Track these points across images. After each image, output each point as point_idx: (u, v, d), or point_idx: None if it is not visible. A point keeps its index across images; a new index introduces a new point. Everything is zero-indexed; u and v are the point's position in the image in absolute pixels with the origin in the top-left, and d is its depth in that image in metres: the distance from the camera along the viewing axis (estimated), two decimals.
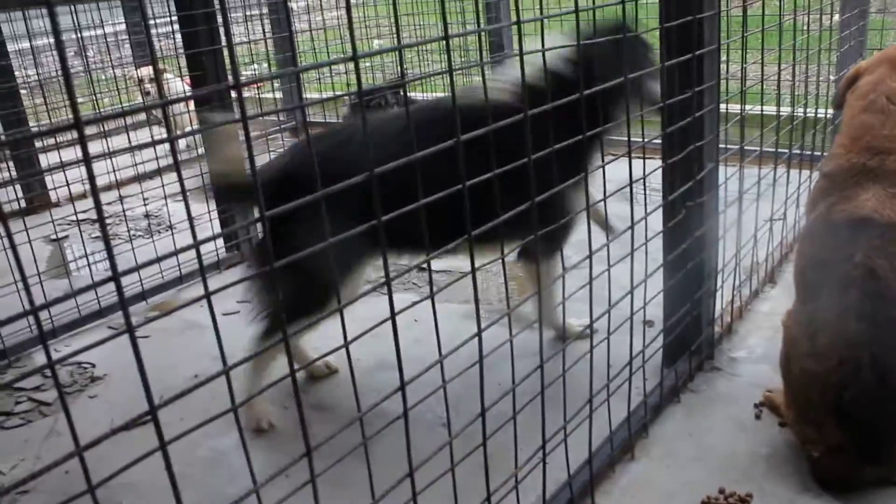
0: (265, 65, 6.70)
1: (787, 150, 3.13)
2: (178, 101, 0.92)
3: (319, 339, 2.47)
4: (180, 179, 0.94)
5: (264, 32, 5.36)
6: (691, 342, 2.43)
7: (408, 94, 4.83)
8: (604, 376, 1.98)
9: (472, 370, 1.43)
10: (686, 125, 2.13)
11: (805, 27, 3.19)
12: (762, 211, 2.90)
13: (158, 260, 0.96)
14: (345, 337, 1.18)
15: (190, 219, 0.98)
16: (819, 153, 3.61)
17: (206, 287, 0.95)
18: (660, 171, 2.17)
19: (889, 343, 1.82)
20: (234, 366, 1.00)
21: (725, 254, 2.57)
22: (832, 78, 3.94)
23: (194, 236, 0.95)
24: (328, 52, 5.75)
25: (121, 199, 3.64)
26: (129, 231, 4.04)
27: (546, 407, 1.70)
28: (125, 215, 3.98)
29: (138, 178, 4.09)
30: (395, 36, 1.22)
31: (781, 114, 3.13)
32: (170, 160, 4.46)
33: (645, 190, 1.99)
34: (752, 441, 2.17)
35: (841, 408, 1.84)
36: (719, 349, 2.59)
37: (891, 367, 1.81)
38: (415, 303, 1.36)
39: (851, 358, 1.82)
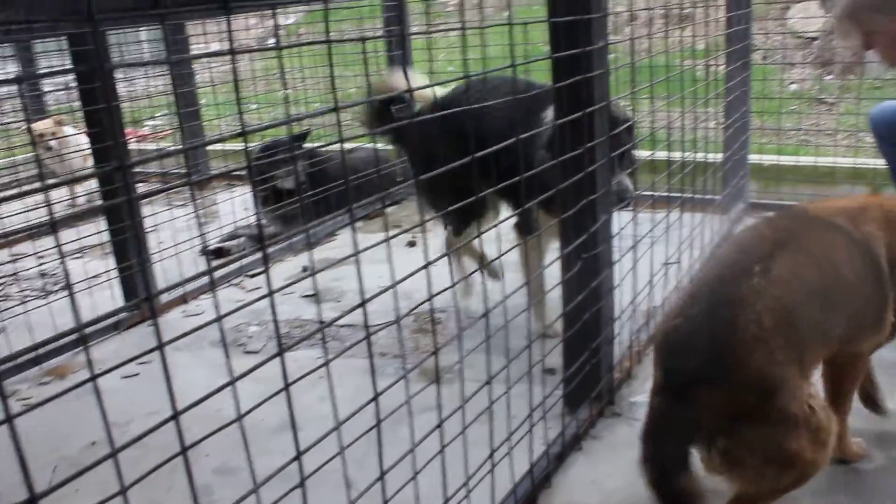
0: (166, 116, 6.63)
1: (680, 195, 3.25)
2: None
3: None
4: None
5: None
6: (592, 389, 2.49)
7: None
8: (506, 428, 2.01)
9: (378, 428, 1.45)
10: (579, 180, 2.21)
11: (696, 77, 3.34)
12: (658, 255, 3.00)
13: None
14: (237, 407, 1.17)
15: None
16: (711, 196, 3.77)
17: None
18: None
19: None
20: (121, 448, 0.99)
21: (623, 299, 2.65)
22: (721, 123, 4.13)
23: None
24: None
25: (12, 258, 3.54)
26: (22, 292, 3.92)
27: (449, 464, 1.72)
28: (17, 275, 3.86)
29: (32, 235, 3.98)
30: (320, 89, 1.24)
31: (675, 159, 3.25)
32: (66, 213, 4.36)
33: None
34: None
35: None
36: (619, 394, 2.65)
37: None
38: (315, 369, 1.36)
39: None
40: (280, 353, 1.22)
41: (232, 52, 1.10)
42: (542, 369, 2.35)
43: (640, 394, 2.66)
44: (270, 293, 1.21)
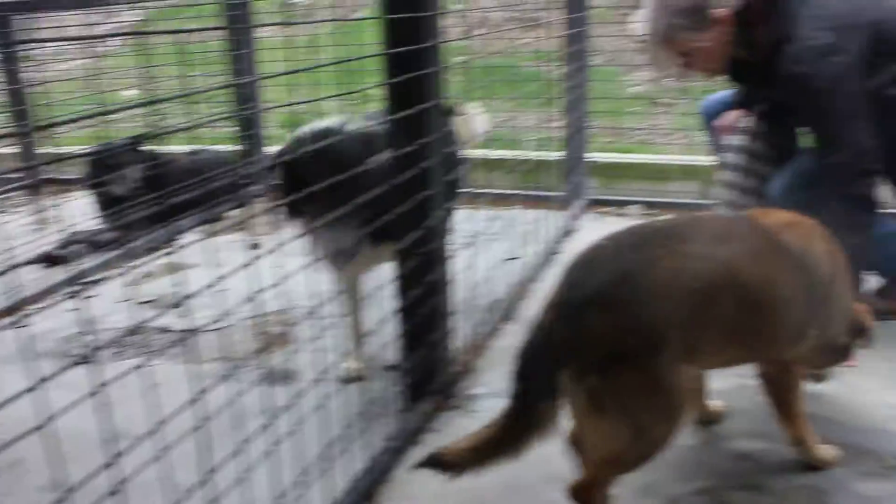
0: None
1: (523, 191, 3.35)
2: None
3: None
4: None
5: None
6: (431, 384, 2.52)
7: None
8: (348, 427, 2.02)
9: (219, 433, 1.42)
10: (413, 176, 2.24)
11: (539, 78, 3.44)
12: (500, 251, 3.08)
13: None
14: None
15: None
16: (552, 193, 3.89)
17: None
18: None
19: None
20: None
21: (465, 294, 2.71)
22: (562, 122, 4.26)
23: None
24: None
25: None
26: None
27: (289, 464, 1.71)
28: None
29: None
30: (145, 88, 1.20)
31: (517, 158, 3.35)
32: None
33: None
34: (493, 476, 2.27)
35: None
36: (459, 388, 2.70)
37: None
38: (124, 374, 1.32)
39: None
40: (86, 360, 1.18)
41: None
42: (385, 366, 2.37)
43: (479, 386, 2.72)
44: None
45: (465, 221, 2.70)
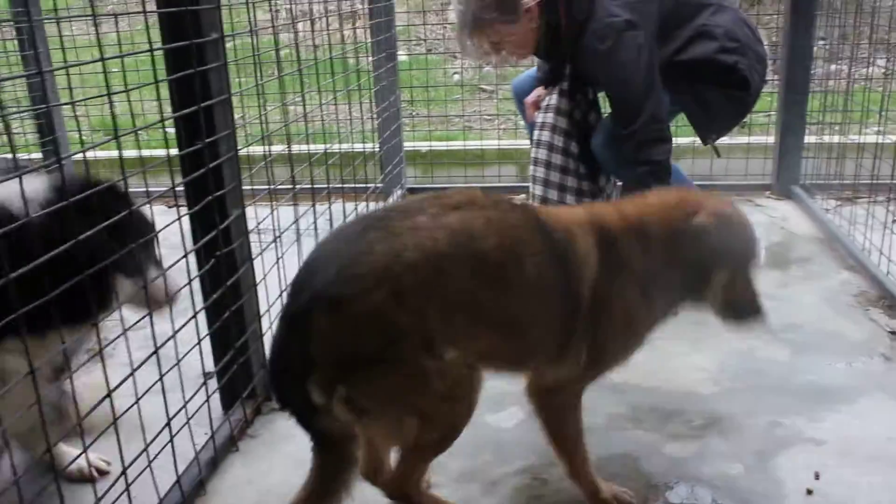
0: None
1: (342, 185, 3.30)
2: None
3: None
4: None
5: None
6: (244, 388, 2.44)
7: None
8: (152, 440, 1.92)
9: None
10: (203, 176, 2.15)
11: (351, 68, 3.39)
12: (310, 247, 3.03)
13: None
14: None
15: None
16: (366, 185, 3.87)
17: None
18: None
19: None
20: None
21: (283, 293, 2.64)
22: (375, 113, 4.23)
23: None
24: None
25: None
26: None
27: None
28: None
29: None
30: None
31: (327, 150, 3.29)
32: None
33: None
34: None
35: None
36: None
37: None
38: None
39: None
40: None
41: None
42: (205, 374, 2.27)
43: None
44: None
45: (283, 219, 2.63)
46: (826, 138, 4.20)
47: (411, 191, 4.65)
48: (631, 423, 2.40)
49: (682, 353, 2.79)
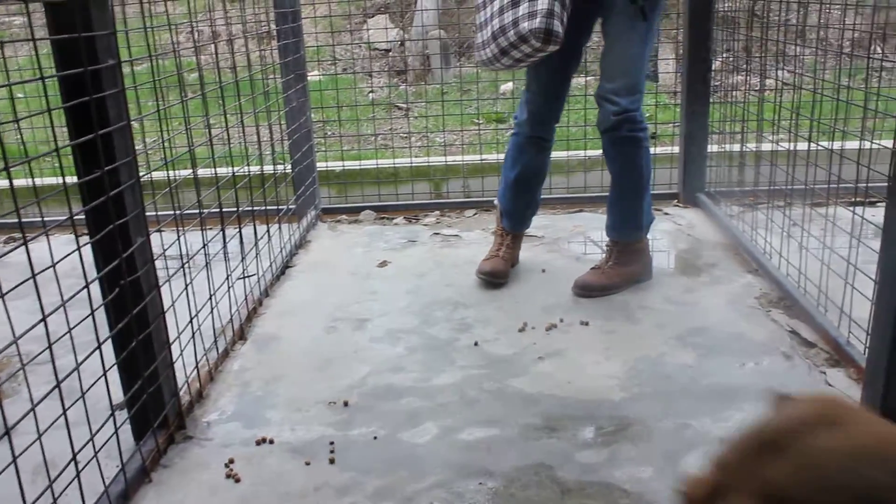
0: None
1: (253, 207, 3.28)
2: None
3: None
4: None
5: None
6: (156, 418, 2.41)
7: None
8: (56, 476, 1.87)
9: None
10: (102, 204, 2.12)
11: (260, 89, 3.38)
12: (231, 269, 3.02)
13: None
14: None
15: None
16: (277, 206, 3.86)
17: None
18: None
19: None
20: None
21: (193, 320, 2.62)
22: (285, 133, 4.23)
23: None
24: None
25: None
26: None
27: None
28: None
29: None
30: None
31: (234, 173, 3.27)
32: None
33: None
34: (224, 501, 2.20)
35: None
36: (191, 417, 2.59)
37: None
38: None
39: None
40: None
41: None
42: (112, 406, 2.23)
43: (213, 413, 2.63)
44: None
45: (192, 243, 2.61)
46: (727, 147, 4.35)
47: (325, 211, 4.65)
48: (545, 433, 2.44)
49: (593, 362, 2.85)
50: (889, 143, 2.40)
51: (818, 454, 0.76)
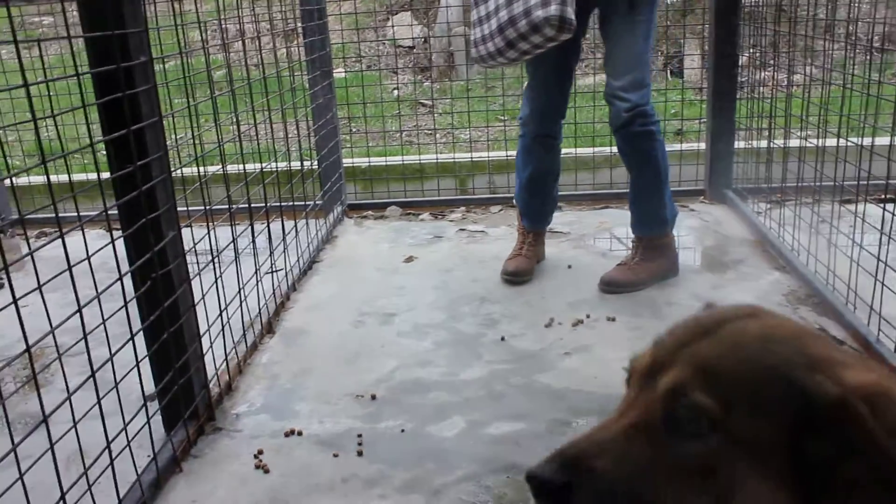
0: None
1: (281, 203, 3.31)
2: None
3: None
4: None
5: None
6: (186, 409, 2.44)
7: None
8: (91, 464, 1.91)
9: None
10: (134, 199, 2.15)
11: (281, 85, 3.41)
12: (259, 264, 3.06)
13: None
14: None
15: None
16: (305, 202, 3.89)
17: None
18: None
19: None
20: None
21: (222, 313, 2.66)
22: (312, 130, 4.26)
23: None
24: None
25: None
26: None
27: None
28: None
29: None
30: None
31: (263, 169, 3.30)
32: None
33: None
34: (253, 493, 2.23)
35: None
36: (221, 409, 2.63)
37: None
38: None
39: None
40: None
41: None
42: (144, 397, 2.26)
43: (242, 405, 2.66)
44: None
45: (221, 238, 2.65)
46: (755, 143, 4.32)
47: (351, 207, 4.67)
48: (571, 427, 2.45)
49: (619, 358, 2.81)
50: None
51: (739, 335, 0.94)
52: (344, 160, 4.70)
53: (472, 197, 4.84)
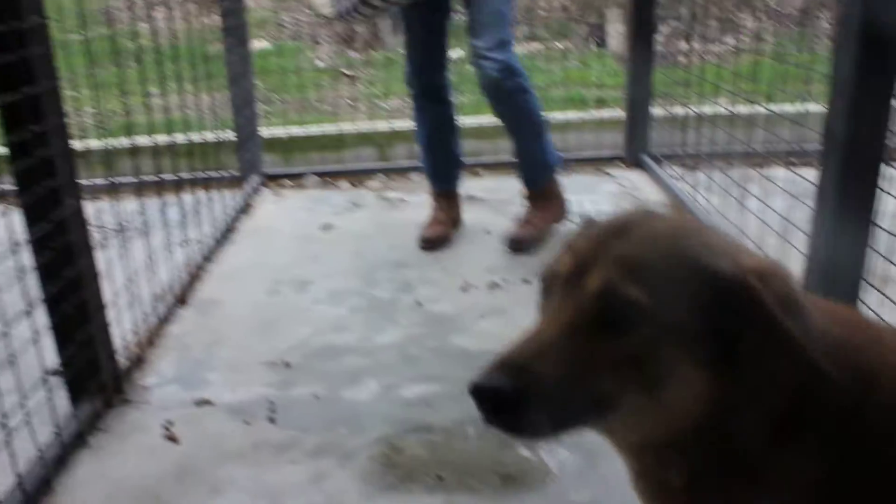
0: None
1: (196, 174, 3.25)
2: None
3: None
4: None
5: None
6: (92, 382, 2.39)
7: None
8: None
9: None
10: (32, 168, 2.09)
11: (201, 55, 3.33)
12: (174, 236, 3.01)
13: None
14: None
15: None
16: (219, 173, 3.83)
17: None
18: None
19: None
20: None
21: (130, 285, 2.60)
22: (226, 100, 4.18)
23: None
24: None
25: None
26: None
27: None
28: None
29: None
30: None
31: (186, 140, 3.23)
32: None
33: None
34: (161, 463, 2.20)
35: None
36: (130, 381, 2.58)
37: None
38: None
39: None
40: None
41: None
42: (44, 370, 2.21)
43: (152, 377, 2.62)
44: None
45: (132, 211, 2.58)
46: (671, 110, 4.38)
47: (269, 177, 4.61)
48: None
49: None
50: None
51: (651, 233, 1.02)
52: (262, 130, 4.63)
53: (391, 165, 4.82)
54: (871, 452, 1.00)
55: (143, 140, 3.20)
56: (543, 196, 3.58)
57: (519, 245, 3.45)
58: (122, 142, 3.24)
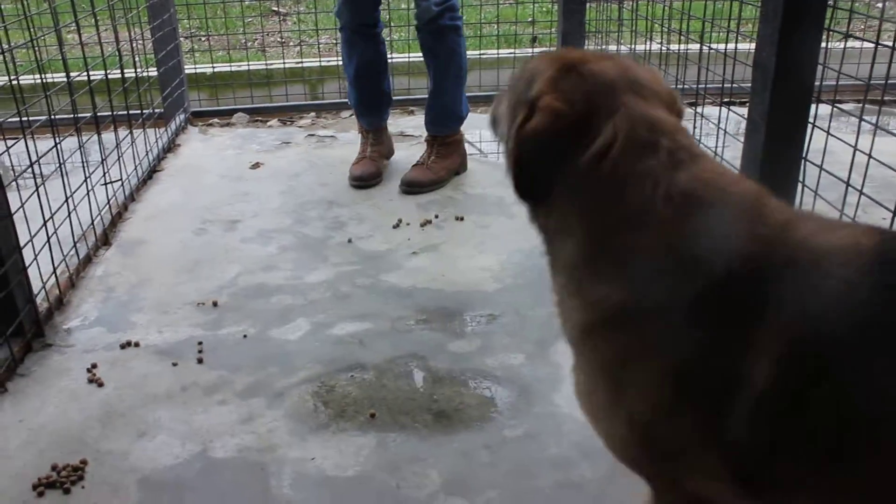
0: None
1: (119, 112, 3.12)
2: None
3: None
4: None
5: None
6: (9, 326, 2.29)
7: None
8: None
9: None
10: None
11: None
12: (96, 175, 2.89)
13: None
14: None
15: None
16: (142, 110, 3.69)
17: None
18: None
19: None
20: None
21: (46, 224, 2.50)
22: (147, 36, 4.02)
23: None
24: None
25: None
26: None
27: None
28: None
29: None
30: None
31: (90, 77, 3.09)
32: None
33: None
34: (85, 407, 2.13)
35: None
36: (51, 324, 2.49)
37: None
38: None
39: None
40: None
41: None
42: None
43: (74, 319, 2.53)
44: None
45: (50, 149, 2.46)
46: (604, 48, 4.35)
47: (196, 115, 4.47)
48: (417, 325, 2.44)
49: (467, 256, 2.86)
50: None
51: (593, 71, 1.22)
52: (188, 67, 4.47)
53: (321, 102, 4.72)
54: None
55: (59, 77, 3.05)
56: (446, 144, 3.55)
57: (414, 188, 3.43)
58: (35, 78, 3.10)
